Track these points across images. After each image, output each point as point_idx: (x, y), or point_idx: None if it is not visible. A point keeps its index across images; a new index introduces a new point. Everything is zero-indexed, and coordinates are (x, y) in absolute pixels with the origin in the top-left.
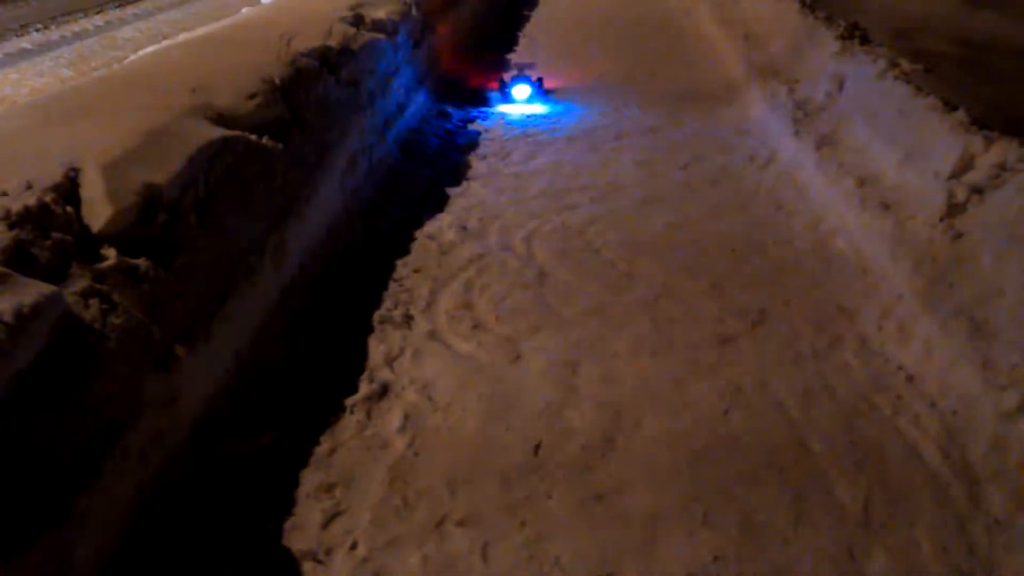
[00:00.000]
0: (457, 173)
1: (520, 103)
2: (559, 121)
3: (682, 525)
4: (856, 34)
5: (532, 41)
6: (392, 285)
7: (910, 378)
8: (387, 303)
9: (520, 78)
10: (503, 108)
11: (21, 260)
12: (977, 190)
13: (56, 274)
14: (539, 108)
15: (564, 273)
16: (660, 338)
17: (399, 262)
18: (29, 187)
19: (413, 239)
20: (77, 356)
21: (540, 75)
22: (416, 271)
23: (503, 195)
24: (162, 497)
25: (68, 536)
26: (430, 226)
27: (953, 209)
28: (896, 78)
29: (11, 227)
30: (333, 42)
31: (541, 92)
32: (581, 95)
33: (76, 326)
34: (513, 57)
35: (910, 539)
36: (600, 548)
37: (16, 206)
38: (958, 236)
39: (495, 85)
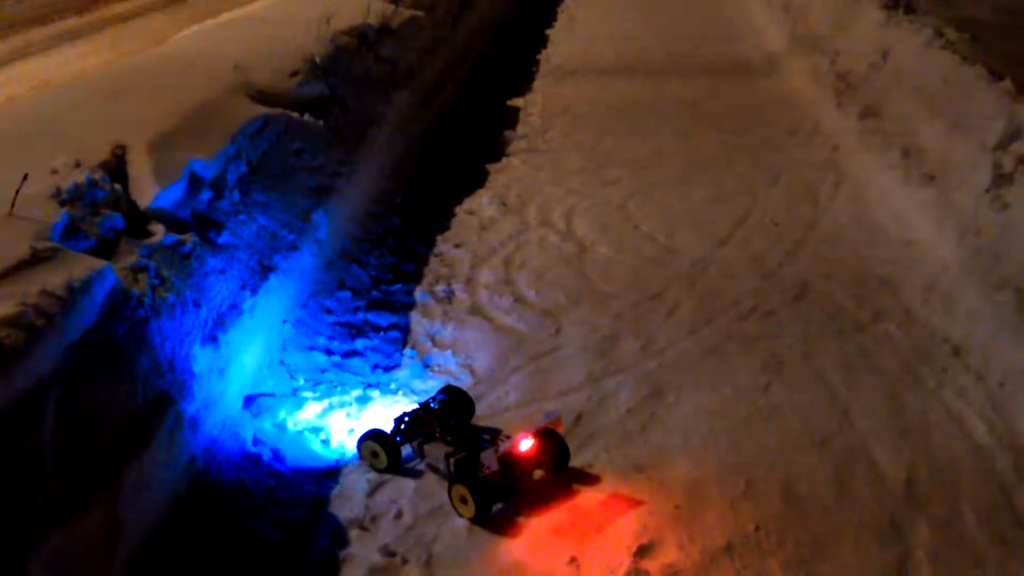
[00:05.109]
0: None
1: None
2: None
3: (723, 495)
4: (900, 3)
5: (571, 18)
6: (433, 260)
7: (955, 350)
8: (428, 278)
9: None
10: None
11: (72, 236)
12: None
13: (106, 249)
14: None
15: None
16: (701, 310)
17: (439, 237)
18: (78, 165)
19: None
20: (127, 329)
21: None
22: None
23: None
24: (214, 465)
25: (120, 498)
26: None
27: (999, 179)
28: (942, 47)
29: (62, 204)
30: (372, 20)
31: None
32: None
33: (126, 300)
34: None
35: (953, 509)
36: (641, 517)
37: (66, 184)
38: (1004, 206)
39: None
